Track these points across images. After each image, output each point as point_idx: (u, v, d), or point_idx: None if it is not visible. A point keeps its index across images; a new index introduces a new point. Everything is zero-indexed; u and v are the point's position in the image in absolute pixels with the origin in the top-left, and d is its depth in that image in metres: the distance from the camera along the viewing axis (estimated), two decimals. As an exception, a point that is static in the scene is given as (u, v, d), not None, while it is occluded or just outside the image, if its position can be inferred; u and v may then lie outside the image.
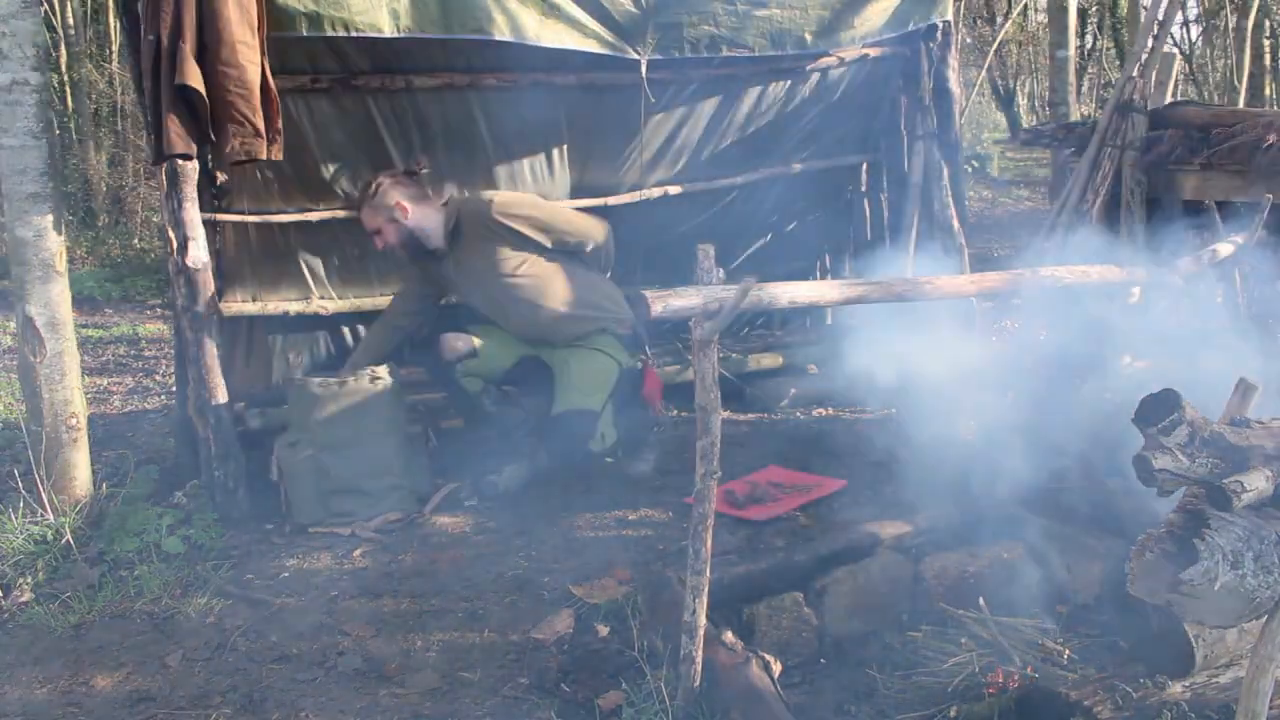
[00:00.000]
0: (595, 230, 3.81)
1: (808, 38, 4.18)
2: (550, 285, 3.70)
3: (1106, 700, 1.99)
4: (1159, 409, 1.76)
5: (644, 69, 3.89)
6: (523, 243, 3.65)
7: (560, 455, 3.69)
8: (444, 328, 3.85)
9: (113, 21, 12.12)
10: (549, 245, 3.69)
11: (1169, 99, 4.45)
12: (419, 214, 3.70)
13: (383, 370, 3.59)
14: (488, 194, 3.77)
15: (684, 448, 4.19)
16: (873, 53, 4.44)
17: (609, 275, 3.99)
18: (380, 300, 4.16)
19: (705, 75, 4.22)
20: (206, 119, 3.29)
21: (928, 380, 3.24)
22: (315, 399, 3.49)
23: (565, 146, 4.27)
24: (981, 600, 2.63)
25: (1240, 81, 10.29)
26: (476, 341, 3.78)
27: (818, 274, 5.33)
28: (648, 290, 2.00)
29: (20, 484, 3.36)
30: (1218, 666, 2.06)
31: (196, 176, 3.43)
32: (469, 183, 4.17)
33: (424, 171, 3.84)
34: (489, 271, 3.67)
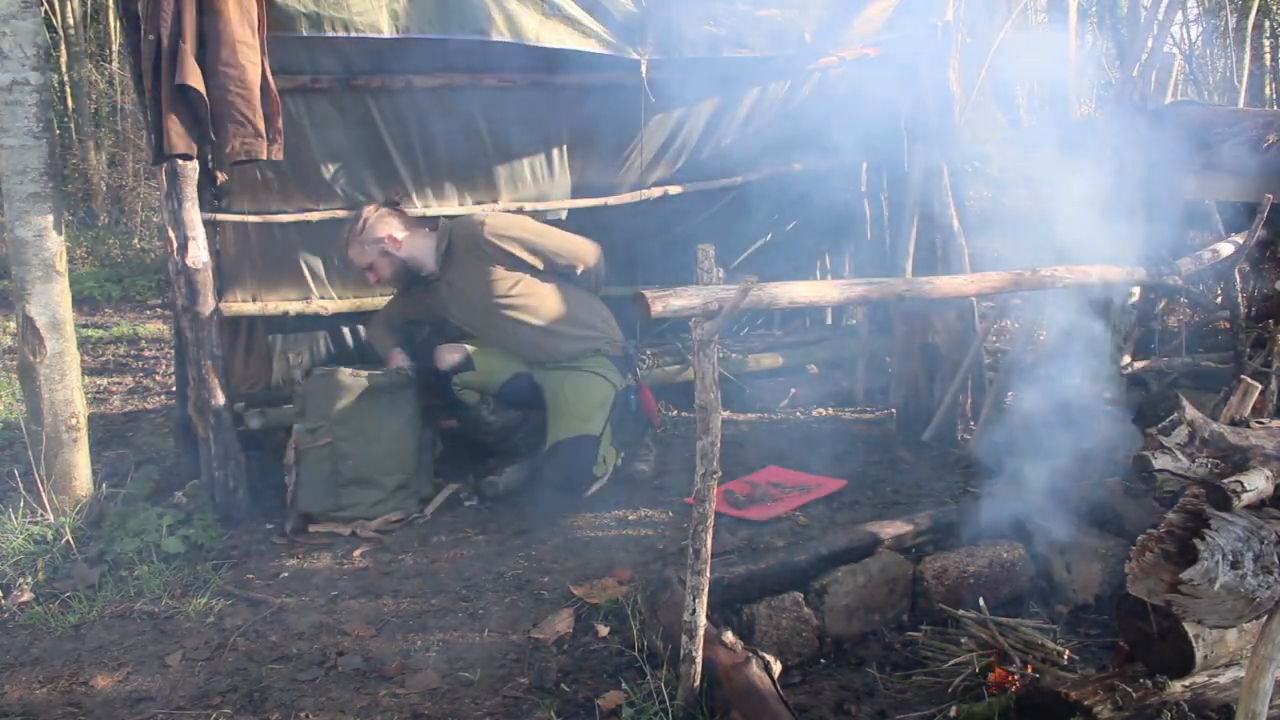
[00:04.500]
0: (587, 252, 3.78)
1: (808, 38, 4.18)
2: (542, 305, 3.69)
3: (1106, 700, 1.99)
4: (1159, 409, 1.76)
5: (644, 69, 3.89)
6: (515, 264, 3.65)
7: (562, 483, 3.64)
8: (439, 340, 3.85)
9: (113, 21, 12.13)
10: (540, 268, 3.69)
11: (1169, 99, 4.45)
12: (410, 243, 3.72)
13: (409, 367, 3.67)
14: (479, 215, 3.76)
15: (684, 448, 4.20)
16: (873, 53, 4.44)
17: (599, 293, 3.98)
18: (380, 300, 4.17)
19: (705, 75, 4.22)
20: (206, 119, 3.29)
21: None
22: (343, 388, 3.51)
23: (565, 146, 4.27)
24: (981, 600, 2.63)
25: (1240, 81, 10.28)
26: (470, 348, 3.78)
27: (818, 274, 5.33)
28: (648, 290, 1.99)
29: (20, 484, 3.36)
30: (1218, 666, 2.05)
31: (196, 176, 3.44)
32: (469, 183, 4.17)
33: (400, 199, 3.89)
34: (482, 293, 3.67)
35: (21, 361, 3.43)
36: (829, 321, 5.37)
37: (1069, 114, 7.53)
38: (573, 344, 3.74)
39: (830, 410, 4.79)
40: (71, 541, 3.21)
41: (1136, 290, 3.84)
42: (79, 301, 7.68)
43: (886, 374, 4.86)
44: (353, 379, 3.54)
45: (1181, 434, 1.76)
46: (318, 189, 3.96)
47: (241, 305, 3.97)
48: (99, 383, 5.90)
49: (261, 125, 3.31)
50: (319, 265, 4.08)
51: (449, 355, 3.74)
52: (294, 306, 4.04)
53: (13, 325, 3.94)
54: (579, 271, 3.77)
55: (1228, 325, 3.85)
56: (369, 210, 3.74)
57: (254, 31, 3.27)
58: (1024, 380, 3.55)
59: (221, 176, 3.75)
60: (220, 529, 3.45)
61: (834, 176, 4.95)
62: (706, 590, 2.18)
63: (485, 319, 3.73)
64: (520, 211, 4.13)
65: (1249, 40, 10.36)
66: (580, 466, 3.61)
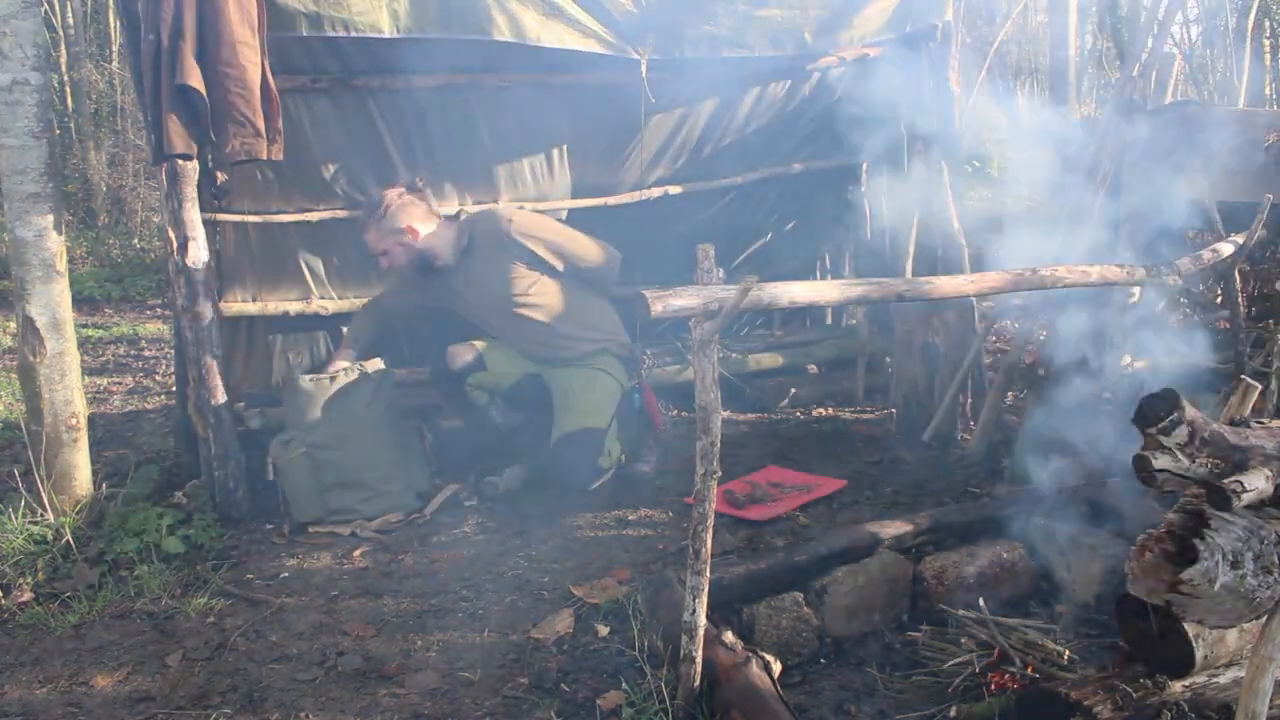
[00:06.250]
0: (605, 256, 3.79)
1: (808, 38, 4.18)
2: (555, 305, 3.69)
3: (1106, 700, 1.99)
4: (1158, 409, 1.76)
5: (644, 69, 3.89)
6: (536, 263, 3.65)
7: (569, 476, 3.65)
8: (448, 339, 3.85)
9: (113, 21, 12.13)
10: (561, 269, 3.69)
11: (1169, 99, 4.45)
12: (429, 234, 3.70)
13: (371, 364, 3.63)
14: (506, 212, 3.74)
15: (684, 448, 4.20)
16: (873, 53, 4.44)
17: (608, 296, 3.97)
18: (380, 300, 4.17)
19: (705, 75, 4.22)
20: (206, 119, 3.29)
21: None
22: (305, 395, 3.50)
23: (565, 146, 4.27)
24: (981, 600, 2.63)
25: (1240, 81, 10.28)
26: (479, 345, 3.78)
27: (818, 274, 5.33)
28: (648, 290, 1.99)
29: (20, 484, 3.37)
30: (1218, 666, 2.05)
31: (196, 176, 3.44)
32: (469, 183, 4.17)
33: (425, 186, 3.84)
34: (499, 289, 3.67)
35: (21, 361, 3.43)
36: (829, 321, 5.37)
37: (1069, 114, 7.52)
38: (581, 345, 3.74)
39: (830, 410, 4.79)
40: (71, 541, 3.21)
41: (1136, 291, 3.83)
42: (79, 301, 7.68)
43: (886, 374, 4.86)
44: (314, 384, 3.52)
45: (1181, 434, 1.76)
46: (318, 189, 3.96)
47: (241, 305, 3.97)
48: (99, 383, 5.90)
49: (261, 125, 3.31)
50: (319, 265, 4.08)
51: (461, 356, 3.73)
52: (294, 306, 4.05)
53: (13, 325, 3.94)
54: (596, 274, 3.76)
55: (1228, 325, 3.84)
56: (391, 195, 3.69)
57: (254, 31, 3.27)
58: (1023, 380, 3.55)
59: (221, 176, 3.75)
60: (220, 529, 3.45)
61: (834, 176, 4.95)
62: (706, 590, 2.18)
63: (497, 314, 3.73)
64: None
65: (1249, 40, 10.35)
66: (586, 460, 3.61)
